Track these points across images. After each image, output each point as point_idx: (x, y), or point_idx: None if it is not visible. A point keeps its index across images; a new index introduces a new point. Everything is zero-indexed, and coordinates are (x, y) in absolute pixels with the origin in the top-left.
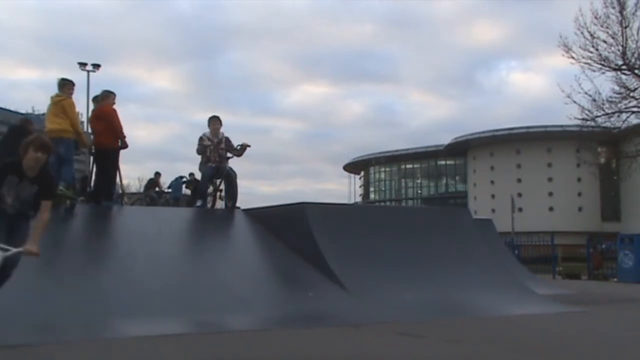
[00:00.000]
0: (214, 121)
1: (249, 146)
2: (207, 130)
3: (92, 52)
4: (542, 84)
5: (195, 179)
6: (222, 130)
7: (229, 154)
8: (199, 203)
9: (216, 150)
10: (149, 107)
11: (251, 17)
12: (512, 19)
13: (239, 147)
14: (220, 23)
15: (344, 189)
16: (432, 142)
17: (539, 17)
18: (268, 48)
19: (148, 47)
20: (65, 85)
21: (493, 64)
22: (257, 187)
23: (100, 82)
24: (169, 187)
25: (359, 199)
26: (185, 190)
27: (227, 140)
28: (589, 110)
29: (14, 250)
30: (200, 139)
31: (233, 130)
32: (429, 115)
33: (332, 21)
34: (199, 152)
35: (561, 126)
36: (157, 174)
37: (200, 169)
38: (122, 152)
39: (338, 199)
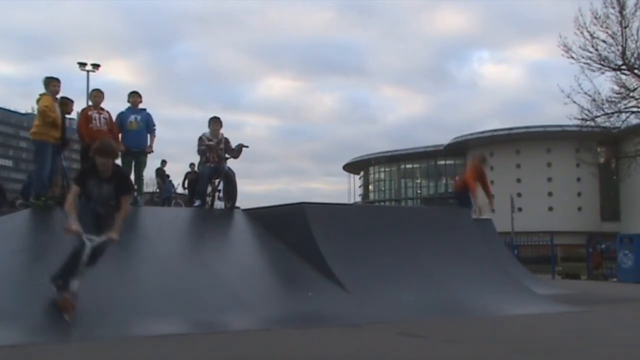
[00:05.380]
0: (215, 122)
1: (246, 147)
2: (206, 130)
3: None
4: (516, 77)
5: (195, 170)
6: (221, 131)
7: (226, 155)
8: (197, 203)
9: (215, 150)
10: (110, 102)
11: (199, 1)
12: (477, 5)
13: (235, 148)
14: (169, 8)
15: (331, 189)
16: (411, 138)
17: (505, 3)
18: (223, 37)
19: (97, 35)
20: (48, 83)
21: (464, 54)
22: (241, 186)
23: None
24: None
25: (358, 199)
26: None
27: (227, 141)
28: (588, 110)
29: (99, 238)
30: (200, 139)
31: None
32: (403, 111)
33: (286, 6)
34: (199, 152)
35: (561, 126)
36: (164, 162)
37: (199, 169)
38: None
39: (328, 200)
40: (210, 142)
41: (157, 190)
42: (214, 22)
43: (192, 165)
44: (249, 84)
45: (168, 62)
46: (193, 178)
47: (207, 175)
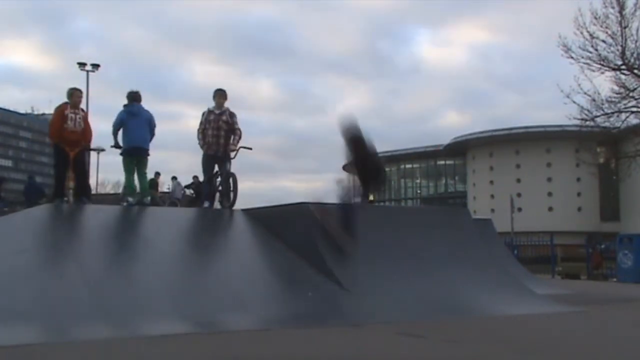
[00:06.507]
0: (220, 95)
1: (250, 149)
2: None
3: None
4: (462, 61)
5: (198, 181)
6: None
7: (230, 140)
8: (206, 204)
9: (216, 122)
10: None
11: None
12: None
13: (236, 141)
14: None
15: (303, 187)
16: (410, 138)
17: None
18: (126, 11)
19: None
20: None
21: (400, 33)
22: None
23: None
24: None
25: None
26: (186, 191)
27: (232, 114)
28: (588, 110)
29: None
30: (203, 114)
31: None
32: (351, 101)
33: None
34: (198, 132)
35: (560, 126)
36: (157, 174)
37: (201, 162)
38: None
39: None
40: (210, 117)
41: (163, 193)
42: None
43: (195, 177)
44: (172, 70)
45: (69, 41)
46: (197, 186)
47: (207, 165)
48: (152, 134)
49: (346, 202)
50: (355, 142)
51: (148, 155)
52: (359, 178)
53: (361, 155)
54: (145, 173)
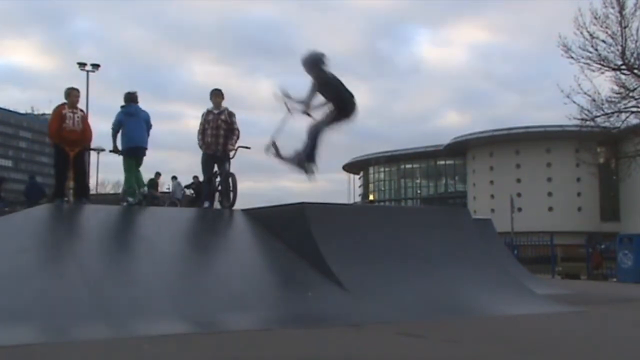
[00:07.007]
0: (216, 95)
1: (248, 148)
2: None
3: None
4: (462, 61)
5: (198, 181)
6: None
7: (228, 138)
8: (206, 204)
9: (215, 121)
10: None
11: None
12: None
13: (235, 141)
14: None
15: (303, 187)
16: (408, 138)
17: None
18: (126, 11)
19: None
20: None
21: (400, 33)
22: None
23: None
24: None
25: (358, 199)
26: (186, 191)
27: (231, 114)
28: (588, 110)
29: None
30: (202, 114)
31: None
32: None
33: None
34: (199, 133)
35: (560, 126)
36: (158, 174)
37: (201, 161)
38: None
39: (328, 200)
40: (209, 118)
41: (163, 192)
42: None
43: (195, 177)
44: (171, 70)
45: (68, 41)
46: (197, 186)
47: (207, 166)
48: (147, 134)
49: (313, 135)
50: (312, 66)
51: (145, 155)
52: (330, 103)
53: (321, 78)
54: (139, 170)
